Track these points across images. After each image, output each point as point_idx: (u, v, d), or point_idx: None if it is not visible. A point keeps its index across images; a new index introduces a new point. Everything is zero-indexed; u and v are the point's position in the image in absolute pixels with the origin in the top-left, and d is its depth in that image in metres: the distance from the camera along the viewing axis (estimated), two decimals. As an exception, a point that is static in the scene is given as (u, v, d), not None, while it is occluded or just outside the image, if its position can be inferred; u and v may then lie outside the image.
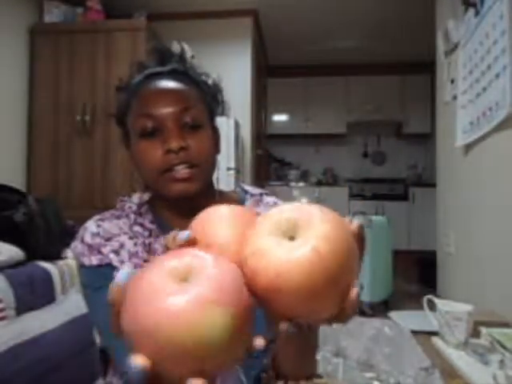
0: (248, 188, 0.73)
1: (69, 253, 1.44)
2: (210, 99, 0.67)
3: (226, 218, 0.36)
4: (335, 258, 0.30)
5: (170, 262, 0.28)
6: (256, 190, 0.73)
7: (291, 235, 0.31)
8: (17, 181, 2.57)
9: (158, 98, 0.60)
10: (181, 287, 0.26)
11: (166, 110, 0.58)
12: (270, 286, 0.29)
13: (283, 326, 0.31)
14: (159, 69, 0.64)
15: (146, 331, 0.25)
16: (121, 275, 0.29)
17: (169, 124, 0.58)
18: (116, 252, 0.59)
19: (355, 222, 0.34)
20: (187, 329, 0.25)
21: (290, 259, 0.29)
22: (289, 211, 0.33)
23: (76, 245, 0.62)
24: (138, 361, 0.25)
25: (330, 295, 0.30)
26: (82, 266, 0.61)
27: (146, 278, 0.27)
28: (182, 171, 0.58)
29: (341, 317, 0.33)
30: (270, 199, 0.72)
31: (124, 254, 0.59)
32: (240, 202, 0.70)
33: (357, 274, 0.33)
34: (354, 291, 0.32)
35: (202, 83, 0.67)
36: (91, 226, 0.62)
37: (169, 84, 0.61)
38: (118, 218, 0.64)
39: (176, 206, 0.63)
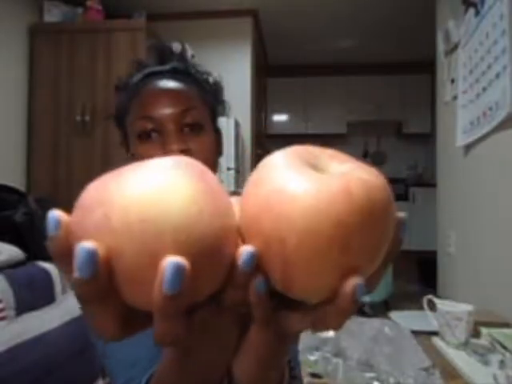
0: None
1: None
2: (212, 99, 0.65)
3: None
4: (368, 210, 0.21)
5: None
6: None
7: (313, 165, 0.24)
8: (17, 181, 2.56)
9: (158, 98, 0.57)
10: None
11: (166, 112, 0.56)
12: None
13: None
14: (159, 68, 0.61)
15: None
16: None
17: (169, 126, 0.56)
18: None
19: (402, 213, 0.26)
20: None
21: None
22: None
23: None
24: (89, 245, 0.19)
25: (329, 261, 0.21)
26: None
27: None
28: None
29: (329, 315, 0.23)
30: None
31: None
32: None
33: (377, 258, 0.23)
34: (352, 281, 0.21)
35: (203, 82, 0.64)
36: None
37: (169, 84, 0.58)
38: None
39: None
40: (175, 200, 0.20)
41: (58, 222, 0.22)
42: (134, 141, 0.58)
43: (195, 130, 0.57)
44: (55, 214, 0.22)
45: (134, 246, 0.19)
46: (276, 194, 0.21)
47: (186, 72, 0.62)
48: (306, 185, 0.21)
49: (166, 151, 0.55)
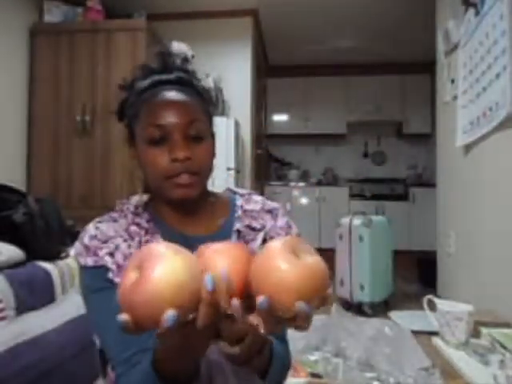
0: (236, 189, 0.79)
1: (71, 251, 1.45)
2: (210, 107, 0.72)
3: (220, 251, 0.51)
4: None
5: None
6: (244, 191, 0.79)
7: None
8: (17, 181, 2.56)
9: (167, 109, 0.64)
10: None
11: (174, 122, 0.63)
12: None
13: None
14: (165, 77, 0.68)
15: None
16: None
17: (176, 135, 0.63)
18: (111, 254, 0.63)
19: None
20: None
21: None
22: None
23: (77, 245, 0.66)
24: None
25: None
26: (79, 266, 0.65)
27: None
28: (184, 178, 0.63)
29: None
30: (257, 197, 0.77)
31: (119, 256, 0.63)
32: (230, 201, 0.75)
33: (315, 298, 0.44)
34: (300, 304, 0.42)
35: (204, 92, 0.71)
36: (90, 228, 0.66)
37: (176, 96, 0.65)
38: (116, 220, 0.67)
39: (174, 206, 0.69)
40: (177, 275, 0.41)
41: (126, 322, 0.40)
42: (143, 145, 0.65)
43: (198, 139, 0.65)
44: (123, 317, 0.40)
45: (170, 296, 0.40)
46: (270, 267, 0.45)
47: (189, 82, 0.69)
48: (286, 265, 0.44)
49: (172, 157, 0.62)
